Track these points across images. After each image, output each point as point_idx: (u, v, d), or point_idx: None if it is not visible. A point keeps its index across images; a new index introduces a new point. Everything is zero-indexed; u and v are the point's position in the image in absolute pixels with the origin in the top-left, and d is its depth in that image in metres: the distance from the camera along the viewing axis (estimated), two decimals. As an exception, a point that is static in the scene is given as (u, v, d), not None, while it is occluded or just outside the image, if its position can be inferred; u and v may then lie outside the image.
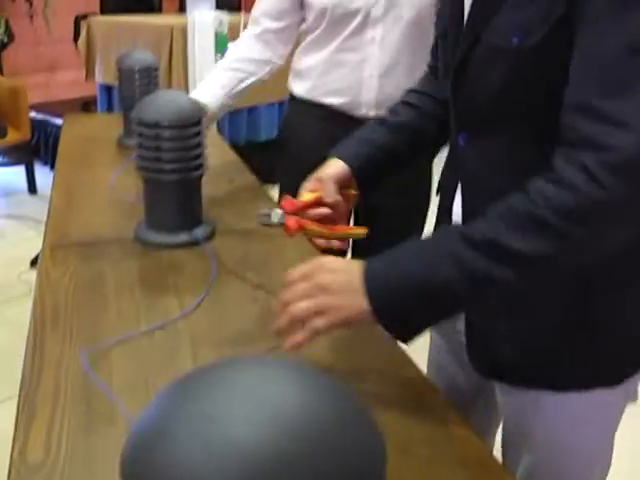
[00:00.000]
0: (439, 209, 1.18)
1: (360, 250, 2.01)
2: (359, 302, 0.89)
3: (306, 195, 1.18)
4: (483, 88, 0.98)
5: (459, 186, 1.08)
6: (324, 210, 1.18)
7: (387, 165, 1.25)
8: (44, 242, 1.48)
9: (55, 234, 1.52)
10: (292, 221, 1.16)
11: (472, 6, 0.97)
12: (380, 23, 1.85)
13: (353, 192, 1.23)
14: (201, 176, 1.47)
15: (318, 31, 1.92)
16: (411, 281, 0.88)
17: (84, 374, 1.02)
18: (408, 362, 1.11)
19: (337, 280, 0.90)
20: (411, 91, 1.31)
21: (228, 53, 1.98)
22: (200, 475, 0.43)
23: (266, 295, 1.28)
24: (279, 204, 1.19)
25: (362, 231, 1.25)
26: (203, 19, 2.93)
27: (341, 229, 1.21)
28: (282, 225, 1.17)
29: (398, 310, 0.89)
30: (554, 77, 0.87)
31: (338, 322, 0.90)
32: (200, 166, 1.45)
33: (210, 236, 1.50)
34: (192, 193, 1.48)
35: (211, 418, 0.45)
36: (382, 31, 1.86)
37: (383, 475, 0.49)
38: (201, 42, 2.94)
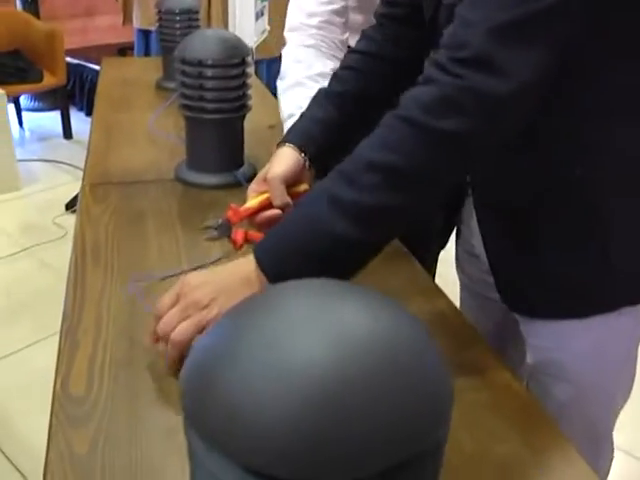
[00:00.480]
0: None
1: None
2: (246, 284, 0.83)
3: (252, 199, 1.09)
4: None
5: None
6: (274, 212, 1.08)
7: (340, 141, 1.14)
8: (84, 180, 1.47)
9: (95, 173, 1.50)
10: (239, 235, 1.12)
11: None
12: None
13: (304, 188, 1.12)
14: (244, 117, 1.44)
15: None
16: (295, 231, 0.84)
17: (126, 309, 1.01)
18: (442, 296, 1.10)
19: (205, 292, 0.84)
20: (353, 52, 1.22)
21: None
22: (262, 400, 0.41)
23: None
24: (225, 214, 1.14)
25: None
26: None
27: None
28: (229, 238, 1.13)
29: (282, 261, 0.84)
30: None
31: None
32: (243, 106, 1.42)
33: (251, 178, 1.47)
34: (234, 134, 1.45)
35: (273, 342, 0.43)
36: None
37: (449, 412, 0.46)
38: None
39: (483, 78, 0.77)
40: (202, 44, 1.35)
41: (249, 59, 1.39)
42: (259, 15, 2.95)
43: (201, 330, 0.83)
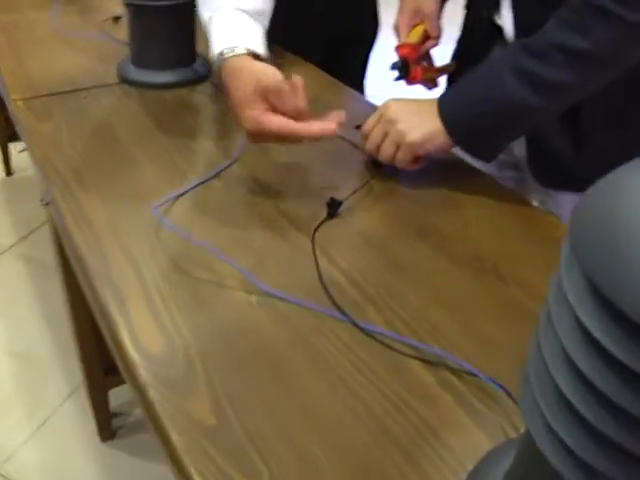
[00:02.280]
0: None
1: None
2: (434, 124, 0.92)
3: (412, 33, 1.08)
4: None
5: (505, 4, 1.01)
6: (434, 43, 1.12)
7: None
8: (9, 97, 1.21)
9: (20, 85, 1.24)
10: (418, 72, 1.08)
11: None
12: None
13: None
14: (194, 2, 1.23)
15: None
16: (481, 100, 0.90)
17: (152, 237, 0.83)
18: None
19: (404, 109, 0.95)
20: None
21: None
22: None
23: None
24: (396, 51, 1.08)
25: (452, 66, 1.17)
26: None
27: (440, 67, 1.16)
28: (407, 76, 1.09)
29: (474, 130, 0.92)
30: None
31: (416, 142, 0.93)
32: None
33: (209, 72, 1.28)
34: (187, 22, 1.24)
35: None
36: None
37: None
38: None
39: None
40: None
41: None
42: None
43: (397, 144, 0.94)
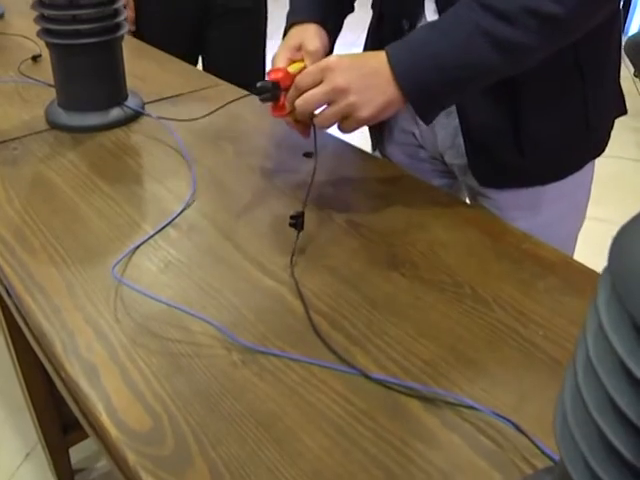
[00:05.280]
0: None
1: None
2: (388, 92, 0.87)
3: (292, 66, 0.96)
4: None
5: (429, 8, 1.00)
6: None
7: (344, 9, 1.12)
8: None
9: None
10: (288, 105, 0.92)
11: None
12: None
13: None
14: (122, 37, 1.18)
15: None
16: (446, 66, 0.85)
17: (113, 298, 0.78)
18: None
19: (355, 77, 0.86)
20: None
21: None
22: None
23: (254, 155, 1.06)
24: (268, 75, 0.94)
25: None
26: None
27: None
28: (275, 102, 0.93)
29: (431, 92, 0.87)
30: None
31: (368, 118, 0.87)
32: (122, 25, 1.15)
33: (143, 107, 1.23)
34: (116, 58, 1.18)
35: None
36: None
37: None
38: None
39: None
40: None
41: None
42: None
43: (347, 116, 0.87)
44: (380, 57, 0.87)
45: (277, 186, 1.01)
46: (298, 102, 0.88)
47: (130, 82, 1.24)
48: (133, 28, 2.01)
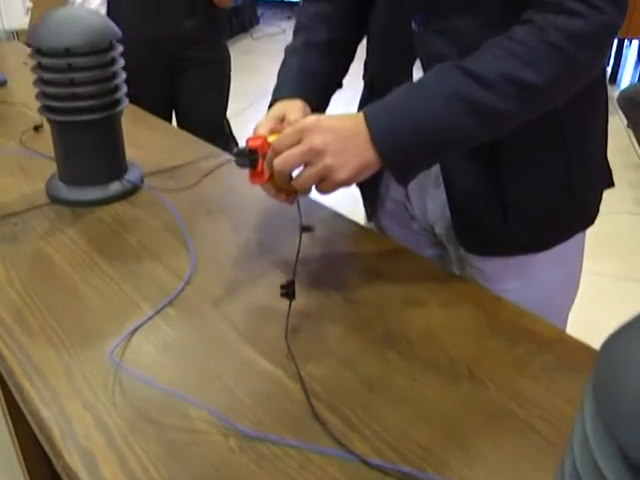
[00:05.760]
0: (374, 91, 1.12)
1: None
2: (365, 154, 0.87)
3: (272, 136, 0.96)
4: None
5: (416, 67, 1.02)
6: None
7: (333, 84, 1.14)
8: None
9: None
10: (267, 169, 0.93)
11: None
12: None
13: None
14: (122, 112, 1.20)
15: None
16: (423, 129, 0.86)
17: (112, 384, 0.79)
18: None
19: (332, 139, 0.86)
20: (311, 0, 1.15)
21: None
22: None
23: (250, 229, 1.08)
24: (247, 142, 0.94)
25: None
26: None
27: None
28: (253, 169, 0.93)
29: (409, 156, 0.88)
30: None
31: (346, 180, 0.87)
32: (121, 100, 1.17)
33: (142, 180, 1.25)
34: (115, 133, 1.21)
35: None
36: None
37: None
38: None
39: (617, 13, 0.83)
40: (63, 28, 1.08)
41: (118, 43, 1.15)
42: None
43: (323, 178, 0.87)
44: (358, 119, 0.88)
45: (274, 261, 1.02)
46: (275, 162, 0.88)
47: (128, 151, 1.26)
48: None
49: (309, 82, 1.06)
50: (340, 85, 1.13)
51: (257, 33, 6.90)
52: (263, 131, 0.96)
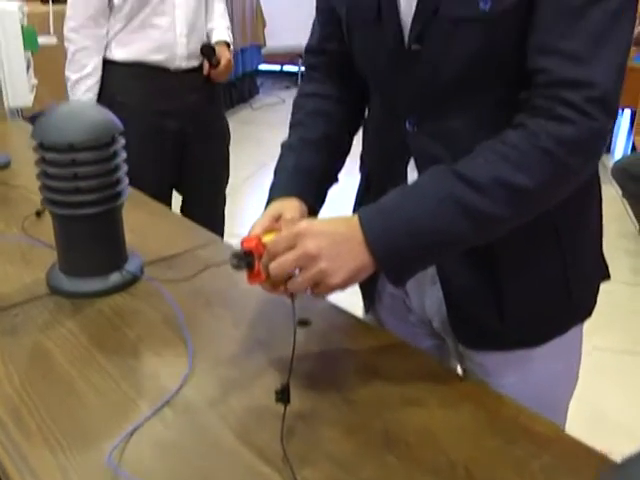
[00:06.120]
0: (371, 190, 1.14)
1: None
2: (360, 258, 0.88)
3: (267, 235, 0.98)
4: (445, 65, 0.94)
5: (410, 166, 1.04)
6: None
7: (328, 181, 1.16)
8: None
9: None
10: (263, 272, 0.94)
11: None
12: None
13: None
14: (123, 204, 1.22)
15: (129, 3, 2.34)
16: (417, 232, 0.88)
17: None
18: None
19: (325, 244, 0.87)
20: (307, 95, 1.18)
21: None
22: None
23: (248, 323, 1.08)
24: (242, 244, 0.96)
25: None
26: (5, 9, 2.42)
27: None
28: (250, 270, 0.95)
29: (403, 258, 0.89)
30: (523, 40, 0.89)
31: (340, 284, 0.88)
32: (123, 192, 1.20)
33: (142, 270, 1.26)
34: (115, 224, 1.22)
35: None
36: None
37: None
38: (7, 38, 2.46)
39: (608, 119, 0.85)
40: (67, 123, 1.11)
41: (120, 136, 1.17)
42: (28, 67, 2.64)
43: (318, 283, 0.88)
44: (352, 222, 0.89)
45: (271, 358, 1.02)
46: (271, 267, 0.89)
47: (128, 237, 1.27)
48: None
49: (305, 180, 1.08)
50: (336, 179, 1.15)
51: (257, 103, 7.02)
52: (259, 230, 0.97)
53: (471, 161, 0.88)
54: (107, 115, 1.15)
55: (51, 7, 4.08)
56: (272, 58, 7.68)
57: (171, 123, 2.48)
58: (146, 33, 2.39)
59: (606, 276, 1.13)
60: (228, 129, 2.76)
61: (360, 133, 1.19)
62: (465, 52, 0.91)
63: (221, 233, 2.89)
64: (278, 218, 1.00)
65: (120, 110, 2.22)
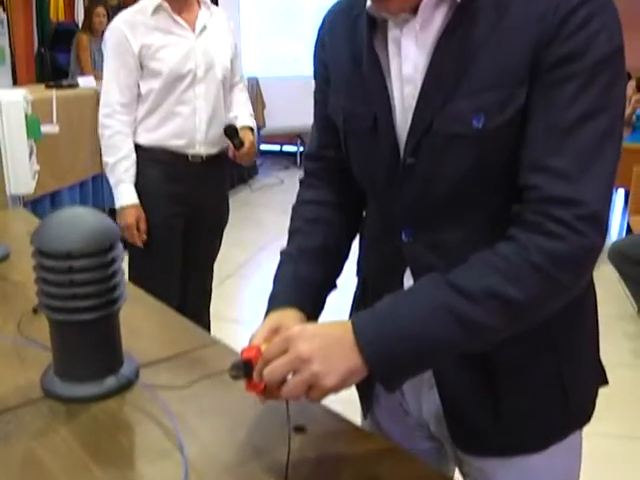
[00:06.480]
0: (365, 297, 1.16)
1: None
2: (352, 361, 0.89)
3: (266, 345, 0.99)
4: (439, 179, 0.96)
5: (406, 275, 1.06)
6: None
7: (327, 289, 1.18)
8: None
9: None
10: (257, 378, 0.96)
11: (421, 97, 0.96)
12: (203, 82, 2.65)
13: None
14: (120, 309, 1.23)
15: (155, 93, 2.60)
16: (410, 338, 0.89)
17: None
18: None
19: (317, 346, 0.89)
20: (306, 203, 1.21)
21: None
22: None
23: (244, 430, 1.08)
24: (241, 354, 0.98)
25: None
26: (9, 98, 2.47)
27: None
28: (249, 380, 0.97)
29: (394, 364, 0.90)
30: (516, 156, 0.91)
31: (333, 387, 0.89)
32: (120, 297, 1.21)
33: (137, 373, 1.26)
34: (112, 329, 1.23)
35: None
36: (204, 88, 2.66)
37: None
38: (11, 127, 2.50)
39: (598, 236, 0.87)
40: (65, 231, 1.13)
41: (119, 242, 1.19)
42: (31, 154, 2.69)
43: (311, 386, 0.89)
44: (346, 326, 0.91)
45: (266, 465, 1.01)
46: (265, 372, 0.91)
47: (124, 338, 1.27)
48: (141, 245, 2.69)
49: (303, 291, 1.09)
50: (335, 286, 1.16)
51: (256, 184, 7.12)
52: (258, 341, 0.98)
53: (464, 271, 0.90)
54: (105, 221, 1.17)
55: (55, 95, 4.17)
56: (271, 139, 7.83)
57: (181, 208, 2.73)
58: (169, 120, 2.63)
59: (604, 381, 1.13)
60: (228, 213, 2.98)
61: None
62: (459, 167, 0.93)
63: (207, 305, 3.10)
64: (277, 329, 1.01)
65: (139, 192, 2.64)
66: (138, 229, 2.66)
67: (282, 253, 1.15)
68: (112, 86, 2.60)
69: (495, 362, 1.01)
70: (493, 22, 0.89)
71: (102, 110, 2.63)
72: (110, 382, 1.20)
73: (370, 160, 1.03)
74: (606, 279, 3.80)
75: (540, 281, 0.87)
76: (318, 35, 1.14)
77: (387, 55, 0.99)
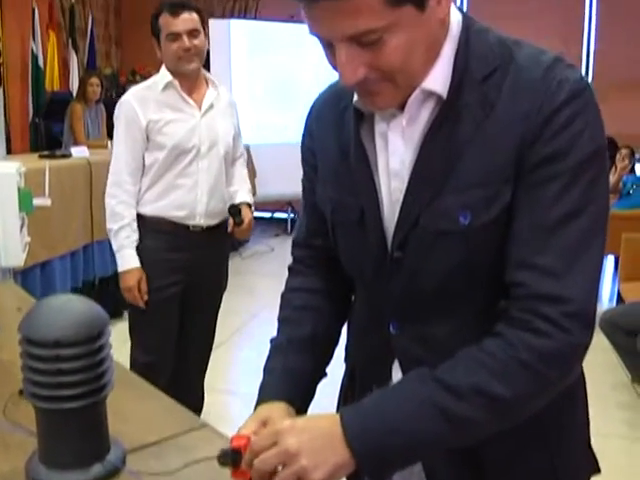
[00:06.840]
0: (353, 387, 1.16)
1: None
2: (340, 454, 0.89)
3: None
4: (425, 274, 0.97)
5: (394, 367, 1.06)
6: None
7: (316, 378, 1.19)
8: None
9: None
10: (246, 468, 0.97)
11: (408, 192, 0.96)
12: (206, 157, 2.79)
13: None
14: (107, 396, 1.22)
15: (158, 164, 2.74)
16: (396, 432, 0.89)
17: None
18: None
19: (306, 440, 0.89)
20: (294, 290, 1.21)
21: None
22: None
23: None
24: (231, 442, 0.99)
25: None
26: (2, 171, 2.45)
27: None
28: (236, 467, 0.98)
29: (381, 456, 0.90)
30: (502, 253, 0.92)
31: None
32: (107, 384, 1.20)
33: (124, 460, 1.24)
34: (99, 416, 1.22)
35: None
36: (207, 162, 2.80)
37: None
38: (3, 200, 2.47)
39: (585, 333, 0.88)
40: (53, 319, 1.12)
41: (108, 329, 1.19)
42: (22, 226, 2.69)
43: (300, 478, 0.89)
44: (333, 419, 0.91)
45: None
46: (255, 462, 0.91)
47: (111, 422, 1.25)
48: (142, 305, 2.79)
49: (293, 383, 1.09)
50: (324, 375, 1.16)
51: (246, 252, 7.13)
52: (247, 431, 0.98)
53: (451, 367, 0.90)
54: (94, 308, 1.17)
55: (48, 165, 4.20)
56: (262, 206, 7.87)
57: (181, 276, 2.85)
58: (171, 192, 2.77)
59: (596, 470, 1.12)
60: (227, 279, 3.09)
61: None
62: (446, 262, 0.94)
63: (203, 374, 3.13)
64: (266, 422, 1.00)
65: (140, 261, 2.75)
66: (139, 290, 2.76)
67: (272, 341, 1.15)
68: (120, 157, 2.74)
69: (484, 454, 1.01)
70: (479, 119, 0.90)
71: (110, 178, 2.78)
72: (96, 469, 1.18)
73: (358, 251, 1.04)
74: (599, 347, 3.79)
75: (527, 378, 0.87)
76: (306, 123, 1.16)
77: (374, 148, 1.00)
